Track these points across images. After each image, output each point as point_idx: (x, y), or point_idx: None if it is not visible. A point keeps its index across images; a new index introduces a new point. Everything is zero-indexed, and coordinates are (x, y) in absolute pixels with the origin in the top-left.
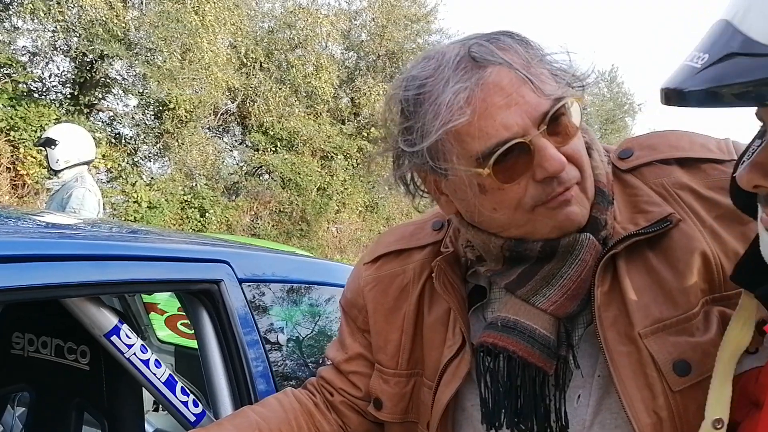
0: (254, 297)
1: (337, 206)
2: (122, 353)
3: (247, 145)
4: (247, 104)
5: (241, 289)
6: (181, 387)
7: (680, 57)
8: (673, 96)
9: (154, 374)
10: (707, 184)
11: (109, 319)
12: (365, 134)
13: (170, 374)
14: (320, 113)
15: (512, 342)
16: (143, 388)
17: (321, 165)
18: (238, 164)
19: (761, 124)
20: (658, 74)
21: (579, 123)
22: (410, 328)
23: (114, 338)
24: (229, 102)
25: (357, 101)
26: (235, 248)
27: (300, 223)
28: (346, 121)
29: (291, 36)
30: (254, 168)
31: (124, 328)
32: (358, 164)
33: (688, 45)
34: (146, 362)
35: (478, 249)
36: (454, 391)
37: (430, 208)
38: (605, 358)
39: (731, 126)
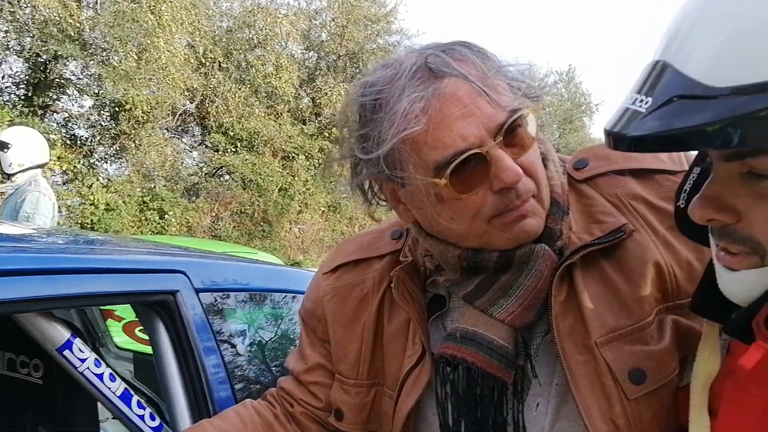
0: (212, 306)
1: (299, 207)
2: (75, 368)
3: (206, 146)
4: (206, 104)
5: (198, 298)
6: (137, 401)
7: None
8: (622, 142)
9: (109, 388)
10: (660, 195)
11: (62, 333)
12: (327, 134)
13: (125, 388)
14: (281, 113)
15: (471, 353)
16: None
17: (282, 165)
18: (197, 165)
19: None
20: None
21: (535, 134)
22: (370, 338)
23: (66, 353)
24: (188, 102)
25: (318, 101)
26: (192, 257)
27: (261, 224)
28: (308, 121)
29: (250, 36)
30: (214, 169)
31: (77, 342)
32: (319, 164)
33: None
34: (100, 376)
35: (436, 258)
36: (414, 401)
37: (386, 217)
38: (563, 367)
39: None
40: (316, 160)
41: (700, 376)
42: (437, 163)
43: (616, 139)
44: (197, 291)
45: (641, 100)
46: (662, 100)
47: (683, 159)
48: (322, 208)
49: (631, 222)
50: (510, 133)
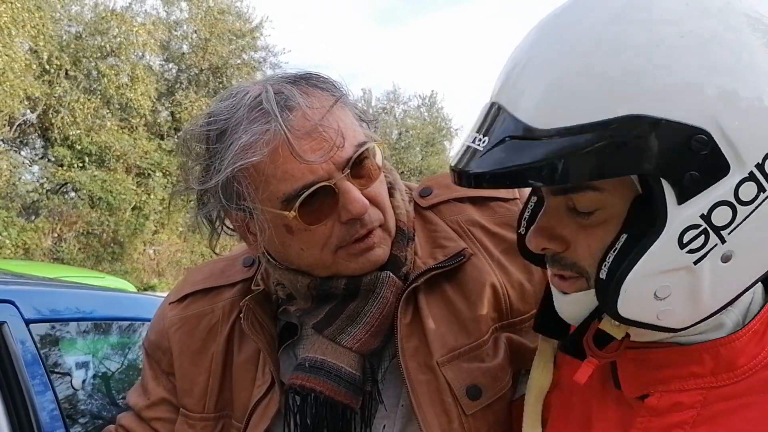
0: (47, 338)
1: (155, 227)
2: None
3: (49, 160)
4: (50, 115)
5: (29, 330)
6: None
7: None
8: (463, 178)
9: None
10: (495, 221)
11: None
12: None
13: None
14: (136, 127)
15: (319, 382)
16: None
17: (137, 182)
18: (38, 181)
19: None
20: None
21: (381, 165)
22: (219, 369)
23: None
24: (29, 112)
25: (178, 116)
26: (23, 285)
27: (111, 245)
28: (166, 136)
29: (102, 43)
30: (58, 185)
31: None
32: (178, 182)
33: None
34: None
35: (288, 287)
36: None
37: (227, 252)
38: (407, 388)
39: None
40: (175, 178)
41: (534, 390)
42: (286, 195)
43: (459, 176)
44: (27, 322)
45: (480, 140)
46: (496, 140)
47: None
48: (181, 228)
49: (470, 246)
50: (357, 166)
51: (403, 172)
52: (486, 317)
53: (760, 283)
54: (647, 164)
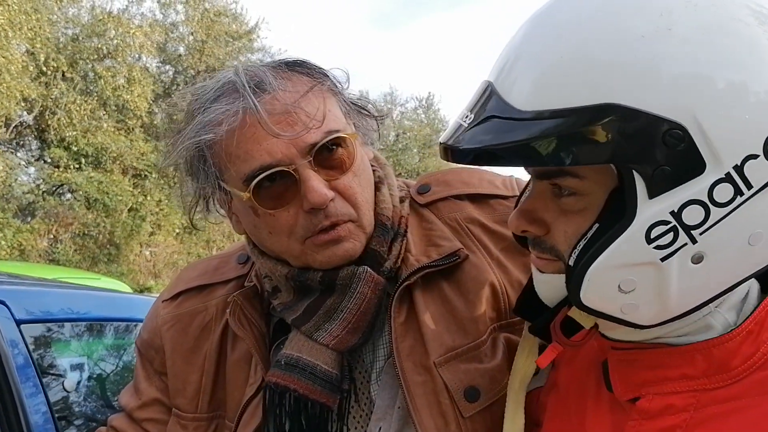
0: (39, 339)
1: (152, 228)
2: None
3: (46, 161)
4: (46, 116)
5: (20, 331)
6: None
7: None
8: (448, 152)
9: None
10: (494, 219)
11: None
12: None
13: None
14: (132, 129)
15: (293, 380)
16: None
17: (133, 184)
18: (34, 182)
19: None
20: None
21: (357, 159)
22: (212, 368)
23: None
24: (25, 113)
25: (175, 117)
26: (15, 285)
27: (108, 246)
28: (162, 137)
29: (99, 45)
30: (54, 187)
31: None
32: (175, 183)
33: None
34: None
35: (273, 279)
36: (252, 431)
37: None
38: (404, 390)
39: None
40: (172, 179)
41: (517, 376)
42: (245, 176)
43: (444, 150)
44: (19, 323)
45: (466, 116)
46: (480, 118)
47: (515, 185)
48: (177, 230)
49: (468, 245)
50: (325, 154)
51: (400, 174)
52: (484, 317)
53: (755, 281)
54: (619, 154)
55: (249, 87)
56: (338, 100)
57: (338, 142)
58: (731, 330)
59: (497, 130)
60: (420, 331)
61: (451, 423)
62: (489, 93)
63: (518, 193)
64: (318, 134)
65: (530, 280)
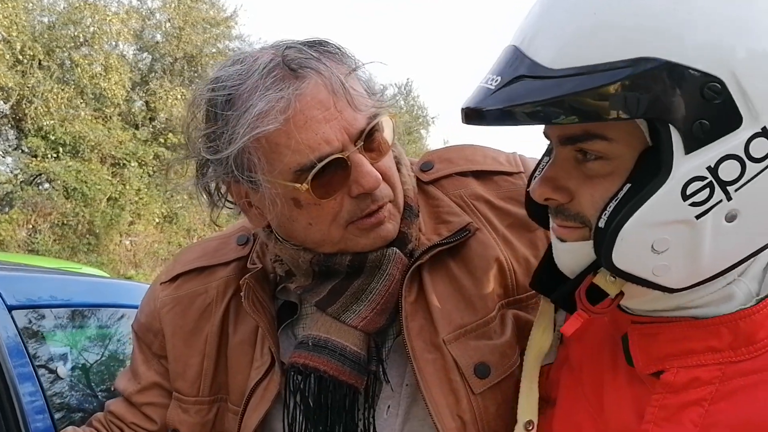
0: (29, 325)
1: (131, 217)
2: None
3: (23, 151)
4: (23, 105)
5: (11, 316)
6: None
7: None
8: (472, 115)
9: None
10: (499, 195)
11: None
12: (162, 140)
13: None
14: (110, 117)
15: (323, 361)
16: None
17: (112, 173)
18: (12, 172)
19: (548, 141)
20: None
21: (392, 139)
22: (213, 350)
23: None
24: (2, 102)
25: (152, 105)
26: (6, 270)
27: (87, 236)
28: (141, 125)
29: (75, 33)
30: (32, 176)
31: None
32: (154, 172)
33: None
34: None
35: (287, 264)
36: (263, 415)
37: (232, 222)
38: (413, 368)
39: (522, 138)
40: (150, 168)
41: (533, 350)
42: (300, 166)
43: (468, 114)
44: (10, 308)
45: (492, 79)
46: (509, 78)
47: (519, 161)
48: (157, 219)
49: (474, 221)
50: (369, 138)
51: None
52: (492, 293)
53: None
54: (656, 109)
55: (293, 73)
56: (362, 83)
57: (377, 125)
58: (755, 300)
59: (529, 88)
60: (429, 309)
61: (462, 399)
62: (516, 55)
63: (522, 170)
64: (363, 120)
65: (546, 253)
